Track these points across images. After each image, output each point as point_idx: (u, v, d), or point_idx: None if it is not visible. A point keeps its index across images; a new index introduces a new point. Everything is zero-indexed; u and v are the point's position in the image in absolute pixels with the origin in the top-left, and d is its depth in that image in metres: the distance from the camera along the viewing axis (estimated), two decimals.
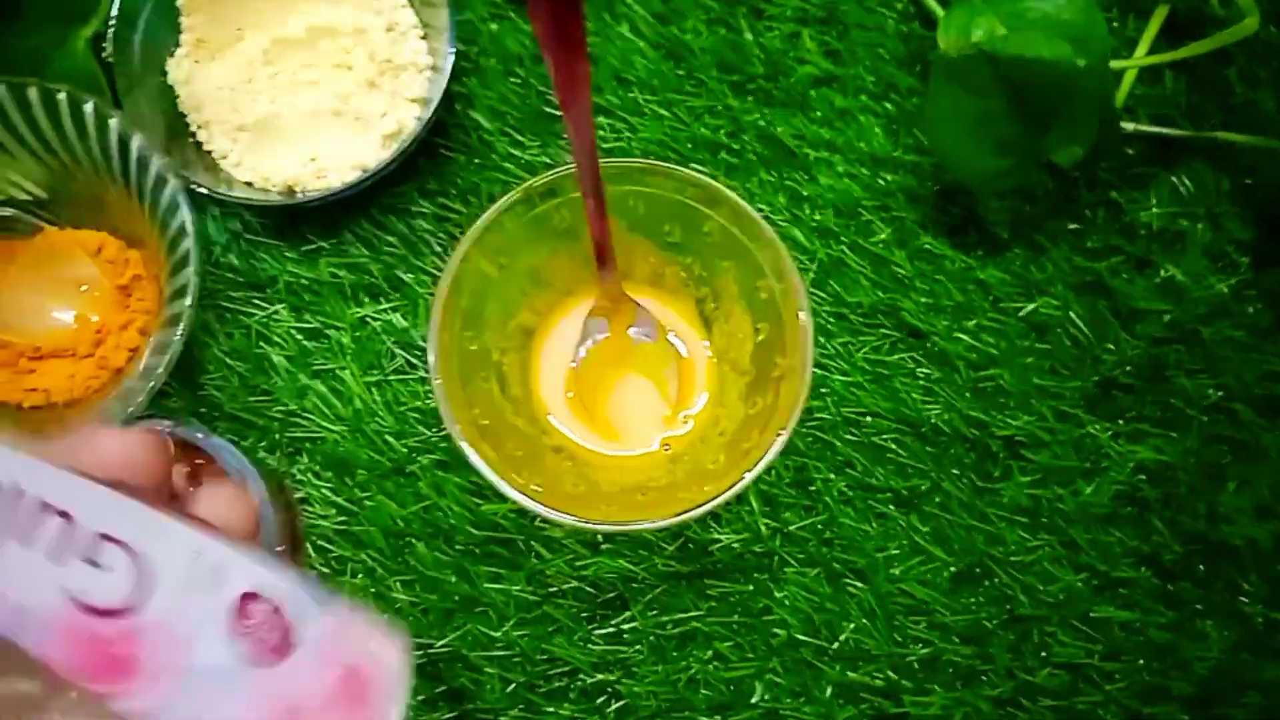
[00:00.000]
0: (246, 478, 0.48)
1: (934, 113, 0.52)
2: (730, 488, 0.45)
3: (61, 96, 0.49)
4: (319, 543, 0.53)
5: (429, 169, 0.56)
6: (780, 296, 0.47)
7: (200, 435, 0.49)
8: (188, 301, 0.47)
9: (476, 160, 0.57)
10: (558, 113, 0.57)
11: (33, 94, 0.49)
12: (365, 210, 0.56)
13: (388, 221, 0.56)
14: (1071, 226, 0.56)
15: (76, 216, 0.54)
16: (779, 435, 0.45)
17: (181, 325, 0.47)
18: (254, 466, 0.50)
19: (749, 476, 0.45)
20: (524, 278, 0.52)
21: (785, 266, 0.47)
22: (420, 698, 0.51)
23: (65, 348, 0.52)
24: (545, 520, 0.45)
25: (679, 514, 0.45)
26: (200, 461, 0.50)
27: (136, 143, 0.49)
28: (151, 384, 0.47)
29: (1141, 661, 0.52)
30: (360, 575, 0.52)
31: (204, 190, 0.51)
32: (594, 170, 0.45)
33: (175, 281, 0.49)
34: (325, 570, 0.52)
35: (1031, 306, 0.55)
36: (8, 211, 0.53)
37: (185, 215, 0.48)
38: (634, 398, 0.53)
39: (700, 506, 0.45)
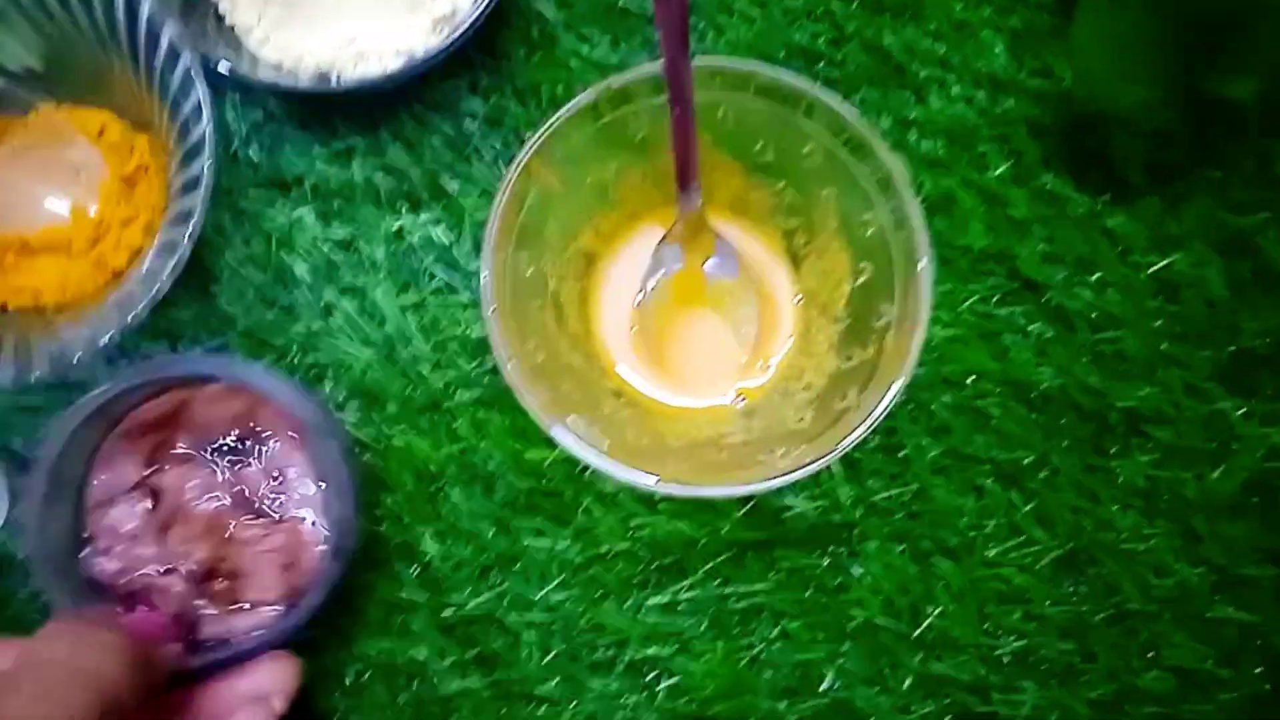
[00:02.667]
0: (314, 431, 0.42)
1: (1080, 30, 0.44)
2: (827, 454, 0.38)
3: None
4: None
5: (483, 63, 0.49)
6: (892, 232, 0.41)
7: (263, 377, 0.42)
8: (200, 195, 0.40)
9: (537, 56, 0.49)
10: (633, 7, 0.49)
11: None
12: (408, 105, 0.49)
13: (433, 120, 0.49)
14: (1215, 175, 0.48)
15: (77, 93, 0.47)
16: (885, 395, 0.39)
17: (191, 223, 0.40)
18: (321, 411, 0.43)
19: (847, 442, 0.38)
20: (589, 194, 0.45)
21: (905, 199, 0.40)
22: (448, 660, 0.45)
23: (58, 243, 0.45)
24: (604, 475, 0.39)
25: (762, 479, 0.39)
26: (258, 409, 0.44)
27: (146, 9, 0.42)
28: (154, 290, 0.40)
29: (1260, 670, 0.46)
30: (385, 523, 0.46)
31: (224, 70, 0.44)
32: (684, 67, 0.38)
33: (186, 172, 0.42)
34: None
35: (1164, 263, 0.48)
36: None
37: (200, 95, 0.41)
38: (706, 340, 0.47)
39: (787, 474, 0.38)
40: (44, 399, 0.46)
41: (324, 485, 0.43)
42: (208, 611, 0.43)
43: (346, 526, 0.42)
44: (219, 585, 0.43)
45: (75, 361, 0.40)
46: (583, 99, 0.41)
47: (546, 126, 0.41)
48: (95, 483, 0.43)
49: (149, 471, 0.44)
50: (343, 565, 0.42)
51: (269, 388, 0.42)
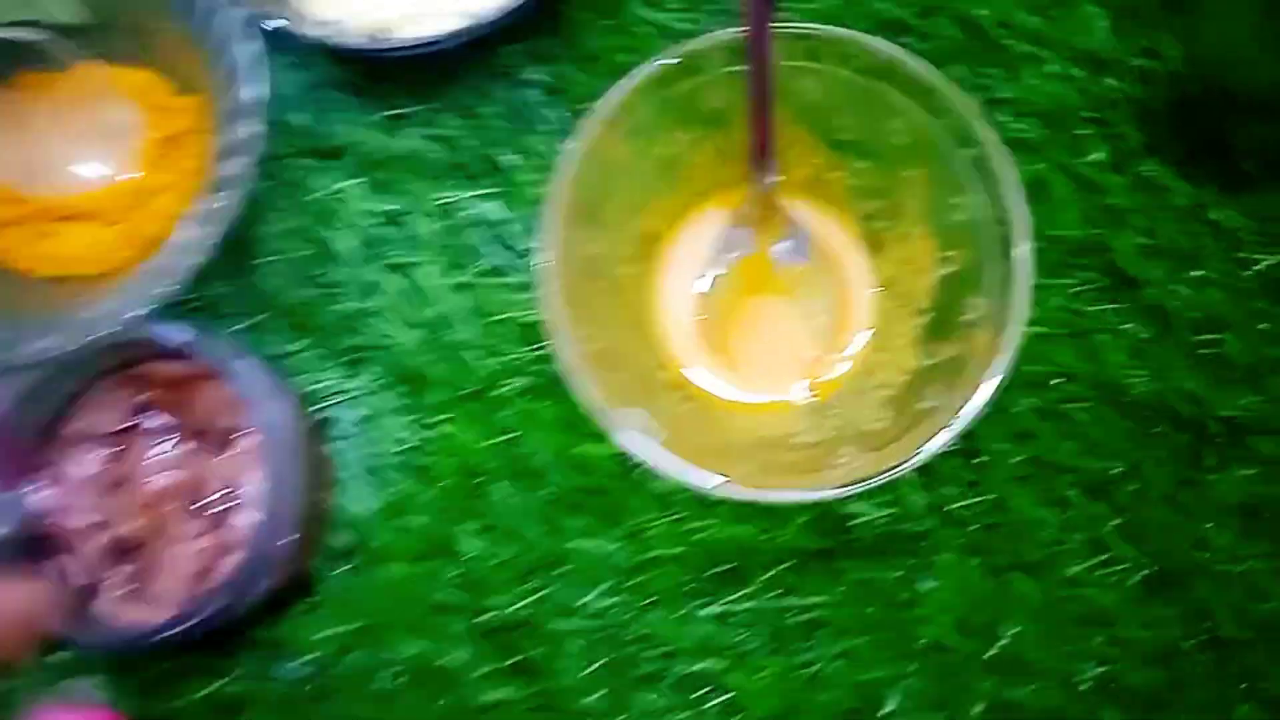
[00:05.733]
0: (271, 431, 0.40)
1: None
2: (905, 460, 0.35)
3: None
4: (380, 474, 0.44)
5: (545, 28, 0.46)
6: (985, 218, 0.37)
7: (236, 363, 0.40)
8: (247, 160, 0.38)
9: (605, 21, 0.46)
10: None
11: None
12: (464, 73, 0.46)
13: (490, 88, 0.46)
14: None
15: (122, 51, 0.45)
16: (974, 396, 0.35)
17: (236, 190, 0.38)
18: (291, 412, 0.40)
19: (930, 447, 0.35)
20: (655, 171, 0.42)
21: (1003, 181, 0.36)
22: (486, 668, 0.42)
23: (92, 210, 0.43)
24: (660, 474, 0.36)
25: (835, 485, 0.36)
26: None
27: None
28: (192, 261, 0.38)
29: None
30: (425, 515, 0.43)
31: (273, 24, 0.41)
32: (767, 26, 0.35)
33: (232, 135, 0.40)
34: (381, 510, 0.43)
35: (1274, 260, 0.44)
36: (38, 36, 0.43)
37: (250, 51, 0.39)
38: (775, 331, 0.43)
39: (862, 481, 0.35)
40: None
41: (275, 496, 0.40)
42: (108, 588, 0.40)
43: (272, 548, 0.39)
44: (129, 567, 0.41)
45: (100, 336, 0.38)
46: (653, 65, 0.38)
47: (613, 94, 0.38)
48: (75, 419, 0.41)
49: (123, 427, 0.42)
50: (262, 586, 0.39)
51: (237, 377, 0.39)
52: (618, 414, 0.35)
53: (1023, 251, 0.36)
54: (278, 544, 0.39)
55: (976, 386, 0.36)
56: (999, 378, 0.36)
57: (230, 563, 0.40)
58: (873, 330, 0.43)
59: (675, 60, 0.38)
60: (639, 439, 0.35)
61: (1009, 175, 0.36)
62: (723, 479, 0.35)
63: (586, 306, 0.39)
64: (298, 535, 0.40)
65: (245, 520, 0.41)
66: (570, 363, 0.35)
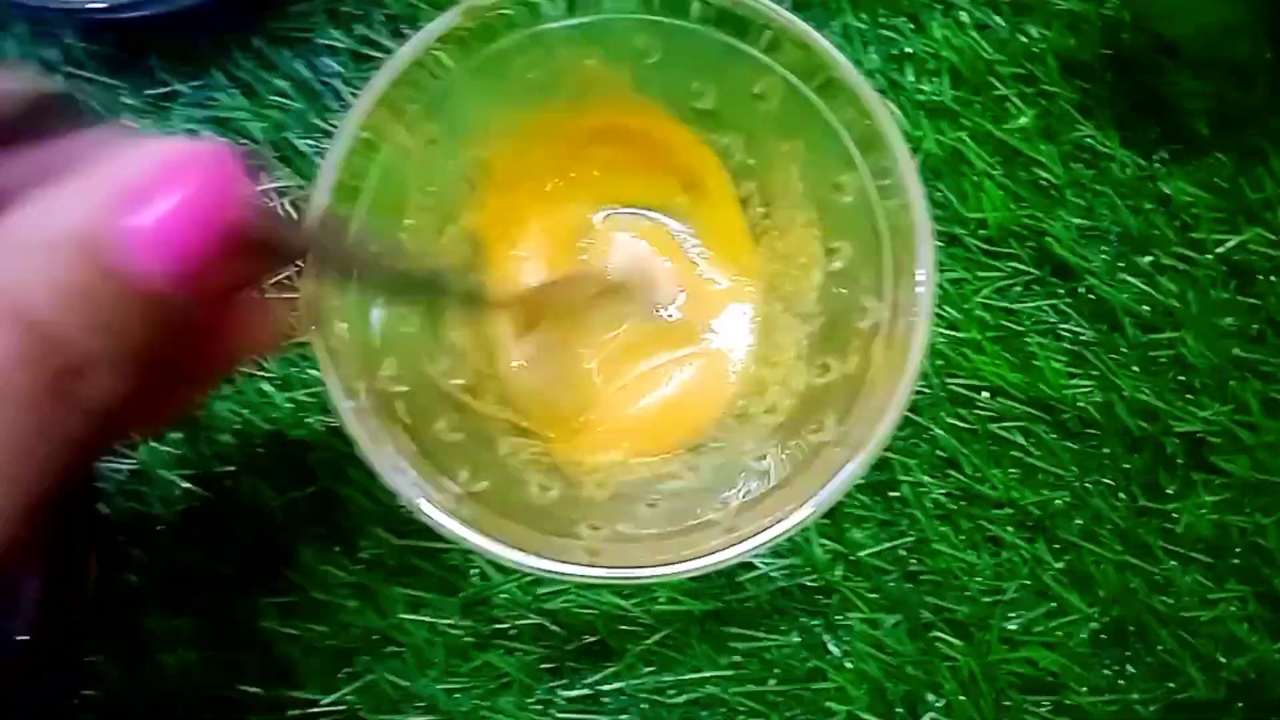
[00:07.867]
0: None
1: None
2: (790, 515, 0.28)
3: None
4: (156, 540, 0.35)
5: None
6: (877, 201, 0.30)
7: None
8: None
9: None
10: None
11: None
12: (245, 39, 0.37)
13: (279, 57, 0.37)
14: None
15: None
16: (875, 429, 0.28)
17: None
18: None
19: (822, 496, 0.28)
20: (467, 159, 0.33)
21: (896, 155, 0.29)
22: None
23: None
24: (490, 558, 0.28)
25: (709, 554, 0.28)
26: None
27: None
28: None
29: None
30: (214, 591, 0.35)
31: None
32: None
33: None
34: (157, 585, 0.35)
35: (1237, 240, 0.37)
36: None
37: None
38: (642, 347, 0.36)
39: (741, 544, 0.28)
40: None
41: None
42: None
43: None
44: None
45: None
46: (444, 22, 0.30)
47: (399, 59, 0.30)
48: None
49: None
50: None
51: None
52: (403, 480, 0.27)
53: (923, 236, 0.28)
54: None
55: (877, 415, 0.28)
56: (904, 398, 0.28)
57: None
58: (756, 340, 0.35)
59: (474, 12, 0.30)
60: (436, 513, 0.27)
61: (901, 147, 0.28)
62: (560, 563, 0.28)
63: (389, 337, 0.31)
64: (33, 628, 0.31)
65: None
66: (345, 417, 0.27)
